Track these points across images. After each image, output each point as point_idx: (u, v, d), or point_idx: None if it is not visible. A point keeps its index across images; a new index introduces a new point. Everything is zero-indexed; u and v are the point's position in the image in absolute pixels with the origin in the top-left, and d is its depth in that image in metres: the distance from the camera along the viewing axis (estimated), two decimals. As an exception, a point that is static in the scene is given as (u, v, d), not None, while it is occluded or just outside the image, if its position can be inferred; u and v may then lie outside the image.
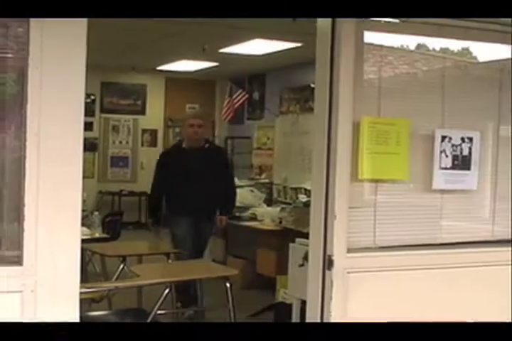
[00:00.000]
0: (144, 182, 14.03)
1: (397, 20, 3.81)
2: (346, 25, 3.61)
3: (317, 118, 3.72)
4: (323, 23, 3.69)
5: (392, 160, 3.74)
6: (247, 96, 11.91)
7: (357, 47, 3.69)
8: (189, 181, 6.94)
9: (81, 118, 3.04)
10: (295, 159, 10.03)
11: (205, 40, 9.41)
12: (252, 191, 9.67)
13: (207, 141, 7.27)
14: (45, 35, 2.93)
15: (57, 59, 2.97)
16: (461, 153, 3.93)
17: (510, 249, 4.05)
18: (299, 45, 9.33)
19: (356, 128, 3.65)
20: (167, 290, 5.27)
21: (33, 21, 2.91)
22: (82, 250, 3.19)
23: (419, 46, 4.16)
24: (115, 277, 6.29)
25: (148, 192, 13.71)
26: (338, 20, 3.60)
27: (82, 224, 5.72)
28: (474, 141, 3.96)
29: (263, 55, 10.40)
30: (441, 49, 4.22)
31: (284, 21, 7.39)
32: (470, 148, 3.95)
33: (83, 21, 3.00)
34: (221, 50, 10.20)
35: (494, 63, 4.30)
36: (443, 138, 3.88)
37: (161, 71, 13.11)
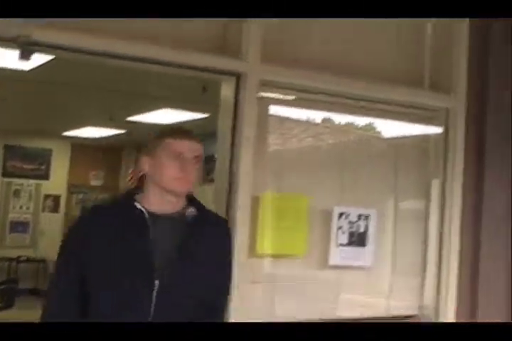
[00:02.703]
0: (44, 248, 13.75)
1: (293, 96, 3.92)
2: (249, 96, 3.67)
3: (216, 191, 3.73)
4: (227, 94, 3.75)
5: (290, 235, 3.76)
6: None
7: (261, 120, 3.74)
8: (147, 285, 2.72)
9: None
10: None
11: (113, 108, 9.41)
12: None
13: (190, 200, 2.88)
14: None
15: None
16: (358, 230, 3.99)
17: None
18: (206, 115, 9.41)
19: (256, 202, 3.67)
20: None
21: None
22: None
23: (325, 119, 4.25)
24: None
25: (49, 258, 13.69)
26: (242, 89, 3.67)
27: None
28: (371, 218, 4.03)
29: (170, 124, 10.43)
30: (347, 123, 4.32)
31: (192, 92, 7.49)
32: (367, 226, 4.01)
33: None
34: (128, 118, 10.19)
35: (394, 139, 4.43)
36: (340, 214, 3.93)
37: (67, 137, 13.00)
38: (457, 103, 4.29)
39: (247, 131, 3.64)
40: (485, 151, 4.26)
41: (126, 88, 7.95)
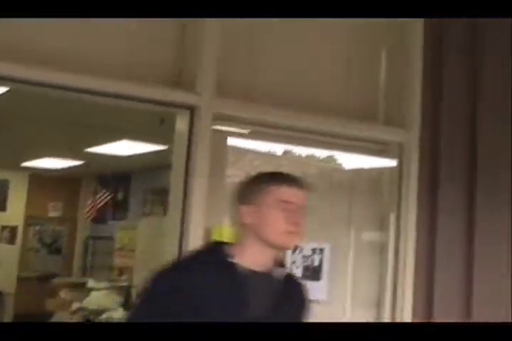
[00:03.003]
0: (0, 280, 13.52)
1: (248, 130, 3.93)
2: (203, 130, 3.69)
3: (170, 223, 3.72)
4: (182, 127, 3.76)
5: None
6: (111, 195, 11.81)
7: (218, 152, 3.75)
8: None
9: None
10: (158, 262, 9.86)
11: (71, 139, 9.36)
12: (108, 294, 9.46)
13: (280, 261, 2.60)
14: None
15: None
16: (312, 263, 3.99)
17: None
18: (164, 147, 9.40)
19: (208, 234, 3.66)
20: None
21: None
22: None
23: (286, 152, 4.26)
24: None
25: (5, 291, 13.46)
26: (196, 123, 3.68)
27: None
28: (325, 252, 4.03)
29: (129, 156, 10.40)
30: (308, 155, 4.33)
31: (150, 124, 7.47)
32: (321, 259, 4.01)
33: None
34: (87, 150, 10.14)
35: (352, 172, 4.46)
36: (294, 249, 3.93)
37: (24, 167, 12.87)
38: (411, 137, 4.34)
39: (201, 163, 3.64)
40: (439, 184, 4.29)
41: (85, 120, 7.92)
